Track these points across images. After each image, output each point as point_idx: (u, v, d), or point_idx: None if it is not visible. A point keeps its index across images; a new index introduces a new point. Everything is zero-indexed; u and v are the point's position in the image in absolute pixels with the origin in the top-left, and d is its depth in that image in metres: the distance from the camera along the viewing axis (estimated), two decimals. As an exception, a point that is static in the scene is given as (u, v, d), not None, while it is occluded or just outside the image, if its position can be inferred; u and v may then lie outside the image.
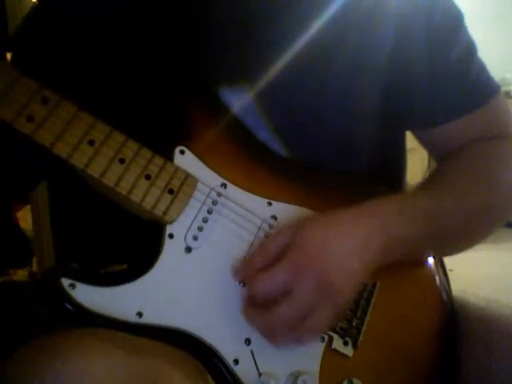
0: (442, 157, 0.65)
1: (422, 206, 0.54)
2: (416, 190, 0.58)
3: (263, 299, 0.48)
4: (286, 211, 0.55)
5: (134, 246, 0.54)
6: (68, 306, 0.45)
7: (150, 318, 0.47)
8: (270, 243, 0.51)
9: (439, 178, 0.60)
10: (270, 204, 0.54)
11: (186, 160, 0.52)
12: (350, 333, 0.55)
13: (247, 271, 0.50)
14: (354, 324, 0.55)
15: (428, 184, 0.59)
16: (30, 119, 0.45)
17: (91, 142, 0.47)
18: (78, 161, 0.46)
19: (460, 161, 0.61)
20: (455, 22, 0.62)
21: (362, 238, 0.50)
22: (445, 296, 0.63)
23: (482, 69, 0.63)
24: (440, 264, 0.64)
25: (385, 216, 0.52)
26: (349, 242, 0.50)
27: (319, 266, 0.47)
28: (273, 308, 0.47)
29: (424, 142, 0.67)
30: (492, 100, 0.62)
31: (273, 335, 0.49)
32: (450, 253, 0.63)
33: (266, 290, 0.48)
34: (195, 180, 0.51)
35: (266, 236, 0.53)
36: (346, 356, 0.54)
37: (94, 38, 0.59)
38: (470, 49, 0.63)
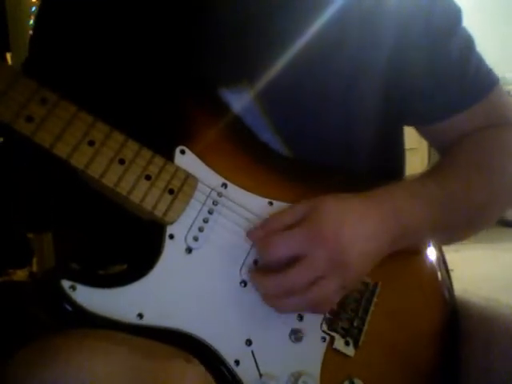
0: (444, 148, 0.65)
1: (430, 193, 0.55)
2: (423, 177, 0.59)
3: (274, 263, 0.49)
4: None
5: (134, 246, 0.54)
6: (68, 307, 0.44)
7: (151, 319, 0.47)
8: (287, 212, 0.51)
9: (443, 167, 0.61)
10: (270, 204, 0.54)
11: (186, 160, 0.51)
12: (351, 333, 0.54)
13: (261, 233, 0.50)
14: (355, 324, 0.55)
15: (433, 172, 0.60)
16: (29, 119, 0.44)
17: (91, 143, 0.47)
18: (78, 161, 0.46)
19: (462, 151, 0.61)
20: (454, 17, 0.62)
21: (377, 221, 0.51)
22: (447, 296, 0.62)
23: (480, 62, 0.63)
24: (442, 263, 0.64)
25: (397, 201, 0.53)
26: (364, 224, 0.51)
27: (334, 240, 0.48)
28: (283, 271, 0.47)
29: (426, 135, 0.67)
30: (492, 92, 0.62)
31: (278, 300, 0.49)
32: (453, 240, 0.63)
33: (279, 252, 0.48)
34: (196, 180, 0.51)
35: (267, 236, 0.53)
36: (347, 356, 0.54)
37: (94, 36, 0.59)
38: (469, 43, 0.63)
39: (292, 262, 0.48)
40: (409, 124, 0.67)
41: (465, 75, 0.62)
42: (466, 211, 0.58)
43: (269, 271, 0.49)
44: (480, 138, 0.61)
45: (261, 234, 0.50)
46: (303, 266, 0.47)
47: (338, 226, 0.49)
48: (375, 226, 0.51)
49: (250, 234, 0.51)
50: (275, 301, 0.50)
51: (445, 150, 0.64)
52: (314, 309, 0.51)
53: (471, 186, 0.58)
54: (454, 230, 0.61)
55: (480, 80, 0.62)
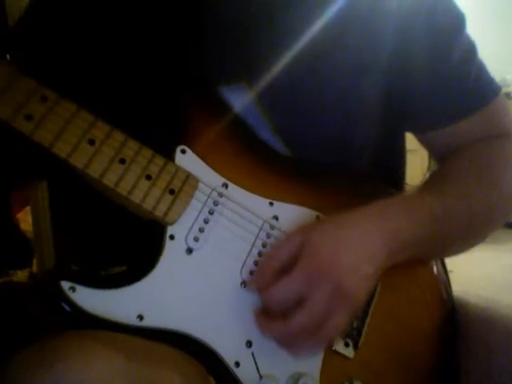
0: (443, 158, 0.64)
1: (428, 208, 0.54)
2: (420, 190, 0.58)
3: (278, 308, 0.48)
4: (287, 211, 0.54)
5: (134, 247, 0.54)
6: (68, 309, 0.44)
7: (151, 320, 0.46)
8: (281, 249, 0.50)
9: (442, 179, 0.60)
10: (271, 204, 0.54)
11: (187, 159, 0.51)
12: (350, 334, 0.54)
13: (260, 281, 0.50)
14: (354, 325, 0.55)
15: (431, 184, 0.59)
16: (28, 118, 0.44)
17: (91, 142, 0.46)
18: (78, 161, 0.46)
19: (462, 161, 0.61)
20: (457, 22, 0.62)
21: (374, 242, 0.50)
22: (445, 297, 0.62)
23: (482, 70, 0.63)
24: (440, 265, 0.64)
25: (394, 219, 0.52)
26: (361, 246, 0.49)
27: (332, 273, 0.47)
28: (289, 317, 0.47)
29: (425, 143, 0.66)
30: (493, 101, 0.61)
31: (291, 344, 0.49)
32: (452, 253, 0.63)
33: (280, 299, 0.48)
34: (196, 180, 0.51)
35: (268, 236, 0.53)
36: (346, 357, 0.54)
37: (94, 35, 0.58)
38: (471, 50, 0.62)
39: (297, 304, 0.47)
40: (409, 129, 0.67)
41: (466, 80, 0.61)
42: (465, 226, 0.58)
43: (274, 317, 0.48)
44: (481, 149, 0.61)
45: (258, 282, 0.50)
46: (308, 310, 0.47)
47: (335, 257, 0.48)
48: (374, 248, 0.50)
49: (252, 282, 0.51)
50: (288, 346, 0.49)
51: (443, 159, 0.63)
52: (329, 342, 0.52)
53: (471, 198, 0.57)
54: (452, 245, 0.61)
55: (481, 87, 0.62)
